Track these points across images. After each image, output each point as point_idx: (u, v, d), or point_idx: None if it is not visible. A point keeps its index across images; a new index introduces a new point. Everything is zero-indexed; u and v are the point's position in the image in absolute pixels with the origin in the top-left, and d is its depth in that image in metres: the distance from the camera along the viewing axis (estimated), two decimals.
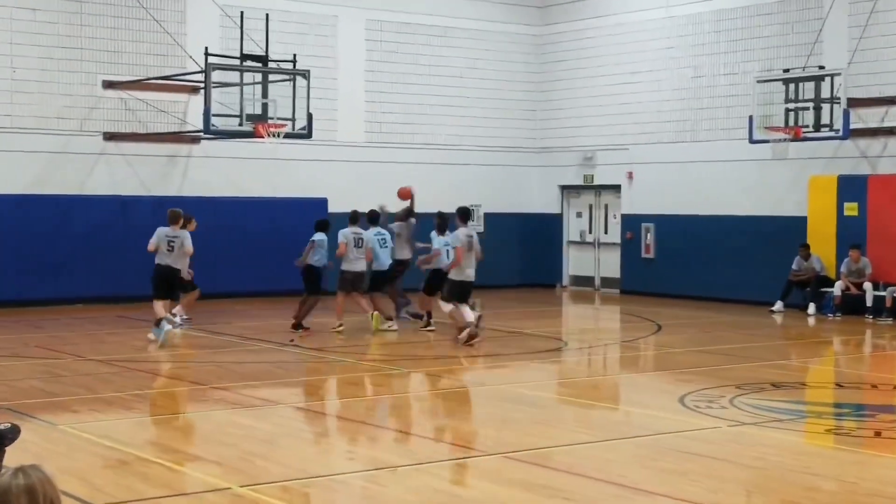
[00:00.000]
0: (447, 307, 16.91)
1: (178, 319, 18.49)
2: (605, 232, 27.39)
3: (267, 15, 21.26)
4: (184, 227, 18.30)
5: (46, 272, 21.80)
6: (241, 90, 20.17)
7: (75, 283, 22.03)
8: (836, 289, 21.36)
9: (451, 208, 26.34)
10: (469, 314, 16.78)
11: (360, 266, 18.64)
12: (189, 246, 17.51)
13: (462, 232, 17.01)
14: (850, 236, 21.66)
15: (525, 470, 9.05)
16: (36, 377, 13.65)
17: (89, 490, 8.20)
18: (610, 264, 27.14)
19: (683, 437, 10.34)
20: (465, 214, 17.42)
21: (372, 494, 8.50)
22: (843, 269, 21.47)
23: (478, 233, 26.25)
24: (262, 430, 10.83)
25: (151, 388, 13.51)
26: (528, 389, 13.35)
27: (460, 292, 16.83)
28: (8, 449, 4.48)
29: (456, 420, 11.41)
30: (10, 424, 4.64)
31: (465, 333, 16.55)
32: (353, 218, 18.91)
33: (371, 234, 18.96)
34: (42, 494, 3.75)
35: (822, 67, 21.46)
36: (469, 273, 16.86)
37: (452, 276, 16.83)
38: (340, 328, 18.21)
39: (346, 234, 18.60)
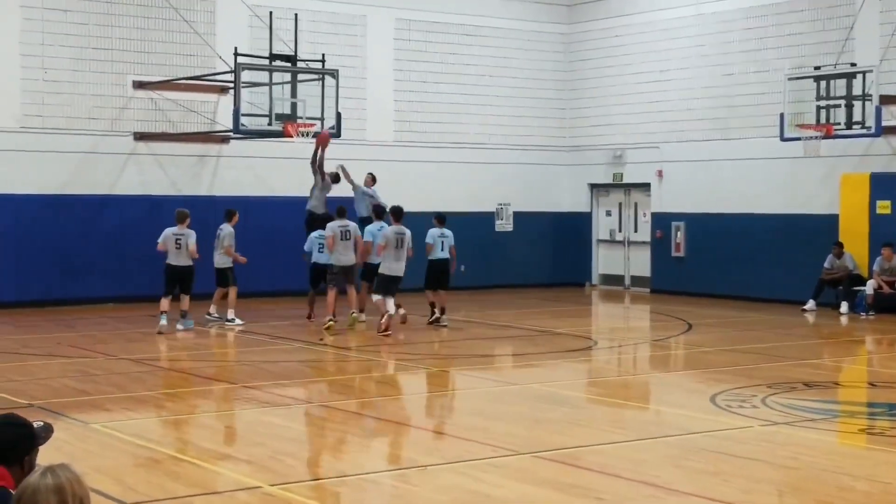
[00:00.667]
0: (376, 298, 17.96)
1: (237, 321, 19.04)
2: (635, 230, 27.29)
3: (296, 15, 21.32)
4: (229, 220, 18.89)
5: (77, 272, 21.93)
6: (271, 90, 20.24)
7: (106, 282, 22.16)
8: (869, 287, 21.21)
9: (480, 207, 26.63)
10: (391, 306, 17.91)
11: (347, 259, 18.68)
12: (193, 245, 18.04)
13: (391, 230, 18.05)
14: (883, 234, 21.49)
15: (556, 469, 9.02)
16: (68, 376, 13.73)
17: (121, 489, 8.23)
18: (640, 263, 27.04)
19: (715, 436, 10.29)
20: (397, 213, 18.29)
21: (402, 493, 8.50)
22: (875, 267, 21.31)
23: (507, 231, 26.19)
24: (293, 428, 10.86)
25: (182, 387, 13.55)
26: (559, 389, 13.32)
27: (387, 285, 17.92)
28: (41, 448, 4.49)
29: (486, 419, 11.38)
30: (43, 423, 4.66)
31: (384, 320, 17.61)
32: (340, 212, 19.00)
33: (374, 227, 19.07)
34: (71, 494, 3.75)
35: (853, 64, 21.30)
36: (397, 268, 17.99)
37: (381, 270, 17.97)
38: (331, 323, 18.14)
39: (332, 227, 18.74)
